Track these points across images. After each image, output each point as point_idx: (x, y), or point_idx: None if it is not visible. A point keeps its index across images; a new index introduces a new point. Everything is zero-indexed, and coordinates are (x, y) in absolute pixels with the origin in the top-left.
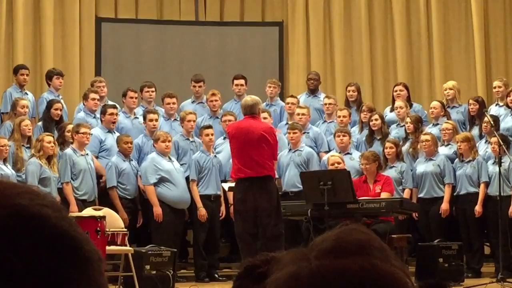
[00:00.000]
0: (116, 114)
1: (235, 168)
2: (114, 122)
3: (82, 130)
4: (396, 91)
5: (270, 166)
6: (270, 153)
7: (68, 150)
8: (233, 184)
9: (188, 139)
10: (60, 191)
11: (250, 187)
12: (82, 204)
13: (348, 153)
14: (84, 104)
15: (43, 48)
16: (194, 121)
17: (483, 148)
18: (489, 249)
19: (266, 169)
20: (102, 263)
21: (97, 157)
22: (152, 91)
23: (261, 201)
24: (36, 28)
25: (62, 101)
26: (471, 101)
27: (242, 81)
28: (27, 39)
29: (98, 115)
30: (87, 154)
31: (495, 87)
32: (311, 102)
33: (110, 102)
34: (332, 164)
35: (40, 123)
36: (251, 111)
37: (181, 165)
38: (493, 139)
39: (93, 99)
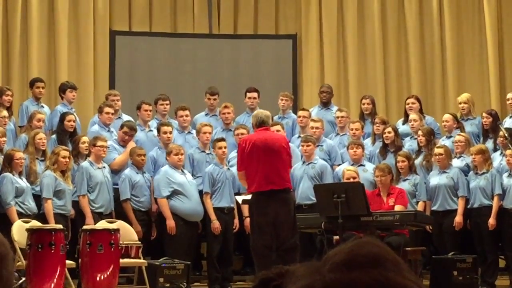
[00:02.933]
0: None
1: (256, 181)
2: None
3: (99, 143)
4: (408, 103)
5: (288, 178)
6: (288, 164)
7: (85, 163)
8: (247, 197)
9: (203, 151)
10: (76, 203)
11: (271, 200)
12: (99, 217)
13: (361, 165)
14: (98, 118)
15: (57, 62)
16: (210, 133)
17: (498, 160)
18: (503, 262)
19: (286, 181)
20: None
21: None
22: (167, 104)
23: (281, 213)
24: (50, 42)
25: (75, 113)
26: (484, 114)
27: (254, 94)
28: (41, 52)
29: (112, 129)
30: (104, 167)
31: (508, 99)
32: (324, 115)
33: (124, 116)
34: (348, 178)
35: (54, 136)
36: (265, 123)
37: (196, 177)
38: (508, 152)
39: (108, 113)
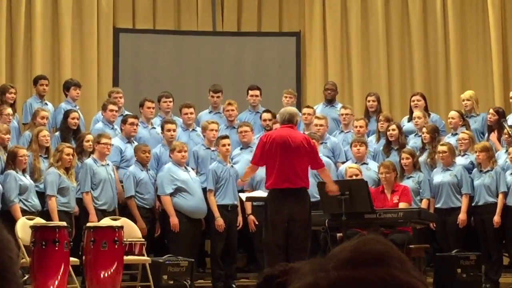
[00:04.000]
0: (137, 125)
1: (273, 178)
2: (134, 132)
3: (103, 140)
4: (413, 101)
5: (307, 177)
6: (308, 163)
7: (89, 160)
8: (250, 194)
9: (209, 148)
10: (80, 201)
11: (286, 198)
12: (102, 214)
13: (364, 163)
14: (102, 115)
15: (61, 59)
16: (216, 130)
17: (504, 158)
18: (507, 260)
19: (303, 180)
20: None
21: (118, 168)
22: (170, 101)
23: (296, 213)
24: (54, 39)
25: (79, 111)
26: (491, 111)
27: (257, 92)
28: (45, 50)
29: (116, 126)
30: (107, 164)
31: (511, 97)
32: (328, 112)
33: (127, 113)
34: (350, 176)
35: (57, 133)
36: (290, 121)
37: (201, 174)
38: (511, 149)
39: (112, 110)
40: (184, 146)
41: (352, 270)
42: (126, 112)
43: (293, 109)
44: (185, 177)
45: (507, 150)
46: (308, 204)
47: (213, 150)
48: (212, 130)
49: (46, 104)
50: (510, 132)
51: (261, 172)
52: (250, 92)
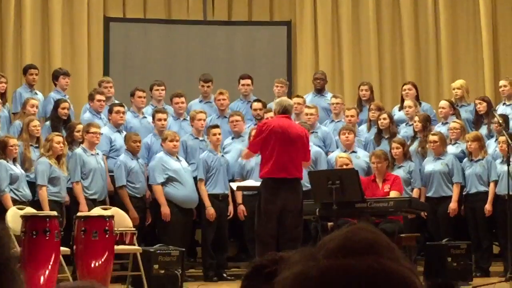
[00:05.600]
0: (123, 113)
1: (269, 167)
2: (121, 120)
3: (93, 130)
4: (404, 90)
5: (301, 169)
6: (303, 155)
7: (78, 150)
8: (241, 184)
9: (197, 138)
10: (70, 190)
11: (281, 188)
12: (92, 203)
13: (353, 152)
14: (90, 105)
15: (51, 48)
16: (204, 120)
17: (493, 147)
18: (498, 249)
19: (299, 171)
20: None
21: (107, 157)
22: (162, 90)
23: (289, 202)
24: (44, 28)
25: (69, 100)
26: (477, 101)
27: (248, 81)
28: (35, 39)
29: (104, 116)
30: (97, 153)
31: (500, 86)
32: (318, 102)
33: (116, 102)
34: (341, 165)
35: (47, 123)
36: (288, 111)
37: (190, 164)
38: (501, 138)
39: (99, 100)
40: (176, 136)
41: (342, 259)
42: (116, 101)
43: (290, 100)
44: (177, 167)
45: (496, 139)
46: (301, 195)
47: (201, 140)
48: (200, 120)
49: (36, 93)
50: (500, 121)
51: (252, 161)
52: (242, 81)
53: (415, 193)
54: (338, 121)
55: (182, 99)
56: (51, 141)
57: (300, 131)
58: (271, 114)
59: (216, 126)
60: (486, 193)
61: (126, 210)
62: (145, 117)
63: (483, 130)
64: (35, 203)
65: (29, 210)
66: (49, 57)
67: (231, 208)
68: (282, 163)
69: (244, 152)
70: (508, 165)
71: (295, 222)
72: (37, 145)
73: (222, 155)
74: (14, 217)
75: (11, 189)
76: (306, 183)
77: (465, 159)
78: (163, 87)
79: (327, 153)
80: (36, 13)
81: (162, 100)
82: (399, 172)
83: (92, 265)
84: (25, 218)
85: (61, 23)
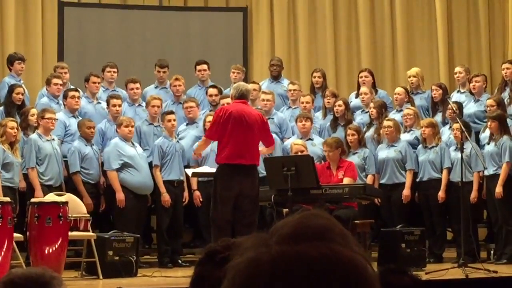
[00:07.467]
0: (78, 97)
1: (226, 152)
2: (76, 105)
3: (48, 115)
4: (361, 77)
5: (258, 155)
6: (265, 140)
7: (33, 135)
8: (196, 170)
9: (152, 124)
10: (25, 176)
11: (237, 174)
12: (48, 189)
13: (309, 139)
14: (47, 90)
15: (4, 32)
16: (159, 106)
17: (447, 134)
18: (451, 235)
19: (256, 158)
20: None
21: (62, 142)
22: (114, 72)
23: (245, 188)
24: None
25: (23, 85)
26: (433, 87)
27: (204, 66)
28: None
29: (61, 101)
30: (53, 139)
31: (456, 73)
32: (274, 88)
33: (71, 87)
34: (296, 152)
35: (1, 108)
36: (245, 96)
37: (144, 150)
38: (455, 125)
39: (56, 84)
40: (131, 121)
41: (294, 245)
42: (71, 87)
43: (248, 85)
44: (132, 153)
45: (451, 126)
46: (257, 181)
47: (156, 126)
48: (154, 106)
49: None
50: (454, 108)
51: (207, 148)
52: (198, 67)
53: (369, 180)
54: (295, 108)
55: (137, 85)
56: (5, 127)
57: (256, 116)
58: (227, 100)
59: (171, 112)
60: (440, 180)
61: (80, 196)
62: (99, 102)
63: (438, 118)
64: None
65: None
66: (2, 41)
67: (186, 194)
68: (239, 149)
69: (197, 148)
70: (462, 152)
71: (251, 207)
72: None
73: (177, 141)
74: None
75: None
76: (261, 169)
77: (419, 146)
78: (115, 69)
79: (282, 140)
80: None
81: (114, 82)
82: (354, 159)
83: (46, 251)
84: None
85: (14, 7)
